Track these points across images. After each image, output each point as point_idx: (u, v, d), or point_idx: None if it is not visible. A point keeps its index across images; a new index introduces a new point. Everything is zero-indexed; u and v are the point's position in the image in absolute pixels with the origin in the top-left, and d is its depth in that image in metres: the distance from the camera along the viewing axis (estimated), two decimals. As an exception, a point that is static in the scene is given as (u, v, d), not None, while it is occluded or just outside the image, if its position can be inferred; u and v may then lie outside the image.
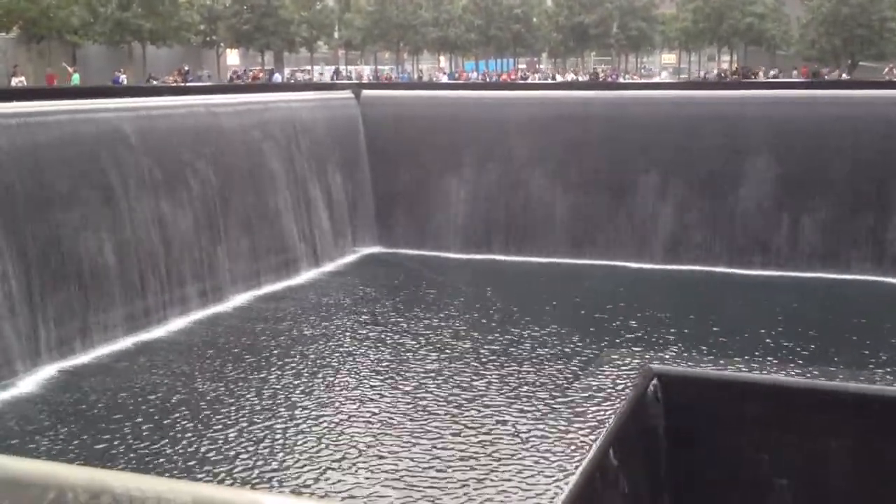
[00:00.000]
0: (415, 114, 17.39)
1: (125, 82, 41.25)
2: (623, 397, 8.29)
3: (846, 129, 14.67)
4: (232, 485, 6.72)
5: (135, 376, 9.53)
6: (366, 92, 18.09)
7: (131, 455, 7.40)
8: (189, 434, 7.86)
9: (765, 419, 8.75)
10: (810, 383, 8.70)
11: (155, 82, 41.72)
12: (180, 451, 7.53)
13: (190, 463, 7.28)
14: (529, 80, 51.92)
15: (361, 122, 17.16)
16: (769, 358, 9.82)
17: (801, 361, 9.62)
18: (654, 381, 8.90)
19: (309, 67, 70.15)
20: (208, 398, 8.78)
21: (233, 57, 73.87)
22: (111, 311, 10.84)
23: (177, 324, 11.61)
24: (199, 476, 7.00)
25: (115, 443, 7.69)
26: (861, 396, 8.46)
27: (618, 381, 8.71)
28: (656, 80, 60.39)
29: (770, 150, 14.91)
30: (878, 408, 8.39)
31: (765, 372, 9.05)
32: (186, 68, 44.28)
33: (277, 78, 54.68)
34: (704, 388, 9.03)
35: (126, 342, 10.75)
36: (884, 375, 8.95)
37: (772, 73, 53.14)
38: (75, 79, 39.63)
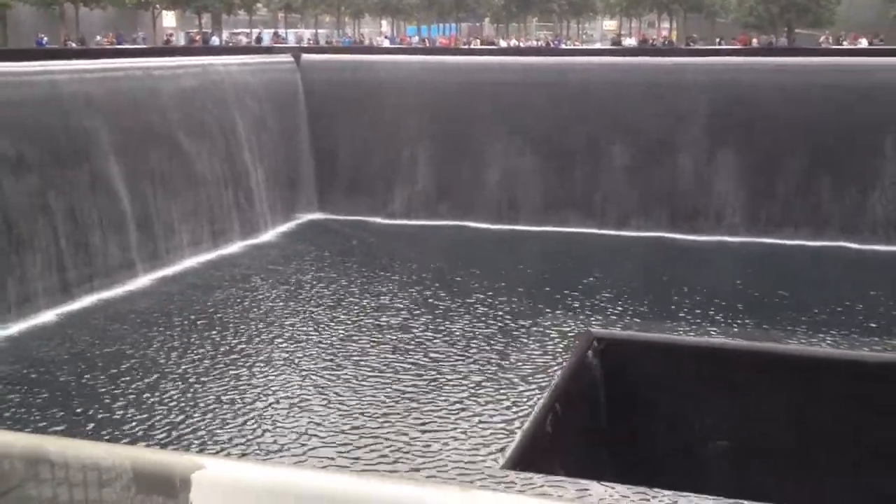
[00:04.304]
0: (356, 78, 17.24)
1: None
2: (564, 361, 8.41)
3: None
4: (172, 448, 6.68)
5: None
6: (306, 56, 17.86)
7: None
8: (127, 399, 7.78)
9: (702, 381, 8.93)
10: (747, 346, 8.90)
11: (73, 45, 40.90)
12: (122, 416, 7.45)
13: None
14: (472, 46, 51.71)
15: (301, 87, 16.96)
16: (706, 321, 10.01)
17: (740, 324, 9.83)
18: (595, 345, 9.03)
19: (248, 30, 68.96)
20: (145, 366, 8.68)
21: (169, 19, 72.17)
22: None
23: (110, 293, 11.38)
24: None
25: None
26: (798, 358, 8.67)
27: (559, 345, 8.83)
28: (597, 45, 60.59)
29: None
30: (815, 369, 8.62)
31: (702, 335, 9.24)
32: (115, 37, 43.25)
33: (215, 41, 53.67)
34: (643, 351, 9.18)
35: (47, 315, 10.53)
36: (823, 338, 9.20)
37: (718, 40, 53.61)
38: None
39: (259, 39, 56.77)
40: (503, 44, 61.20)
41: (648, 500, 5.51)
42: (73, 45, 42.32)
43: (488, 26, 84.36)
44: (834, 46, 42.82)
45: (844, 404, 8.51)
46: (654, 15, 75.09)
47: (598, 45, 62.24)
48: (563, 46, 52.65)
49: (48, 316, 10.39)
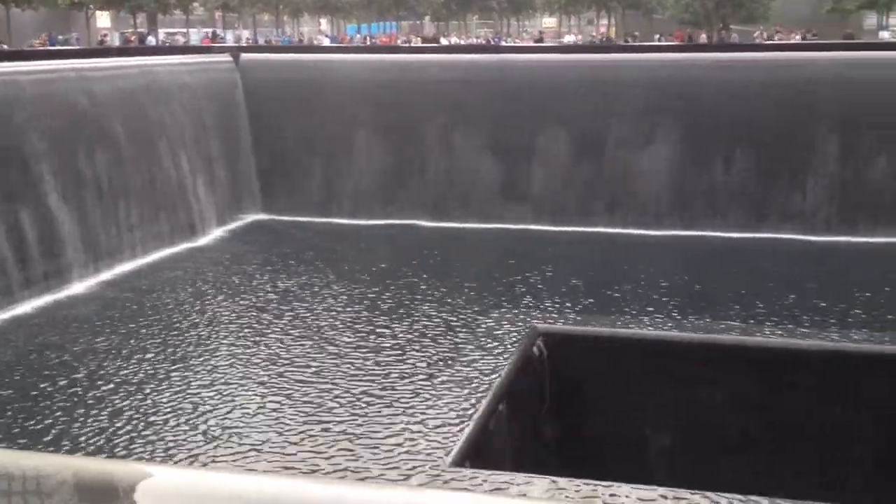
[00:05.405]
0: (297, 77, 17.09)
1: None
2: (509, 357, 8.44)
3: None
4: (115, 457, 6.56)
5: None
6: (245, 55, 17.65)
7: (8, 433, 7.12)
8: (69, 408, 7.62)
9: (648, 374, 9.04)
10: (692, 338, 9.02)
11: (5, 46, 40.00)
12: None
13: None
14: (413, 44, 51.73)
15: (241, 87, 16.76)
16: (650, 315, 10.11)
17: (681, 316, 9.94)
18: (540, 340, 9.08)
19: (184, 30, 68.15)
20: (88, 374, 8.52)
21: (103, 19, 70.93)
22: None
23: (46, 300, 11.08)
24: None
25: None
26: (743, 349, 8.82)
27: (505, 342, 8.85)
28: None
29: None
30: (759, 360, 8.77)
31: (646, 328, 9.33)
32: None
33: (151, 41, 52.96)
34: (588, 344, 9.26)
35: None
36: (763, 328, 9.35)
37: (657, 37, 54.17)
38: None
39: (213, 37, 56.18)
40: (444, 41, 61.36)
41: (594, 492, 5.55)
42: (5, 46, 41.38)
43: (429, 24, 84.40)
44: (768, 42, 43.64)
45: (790, 395, 8.67)
46: (593, 12, 75.85)
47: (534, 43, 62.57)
48: (504, 44, 52.89)
49: None
